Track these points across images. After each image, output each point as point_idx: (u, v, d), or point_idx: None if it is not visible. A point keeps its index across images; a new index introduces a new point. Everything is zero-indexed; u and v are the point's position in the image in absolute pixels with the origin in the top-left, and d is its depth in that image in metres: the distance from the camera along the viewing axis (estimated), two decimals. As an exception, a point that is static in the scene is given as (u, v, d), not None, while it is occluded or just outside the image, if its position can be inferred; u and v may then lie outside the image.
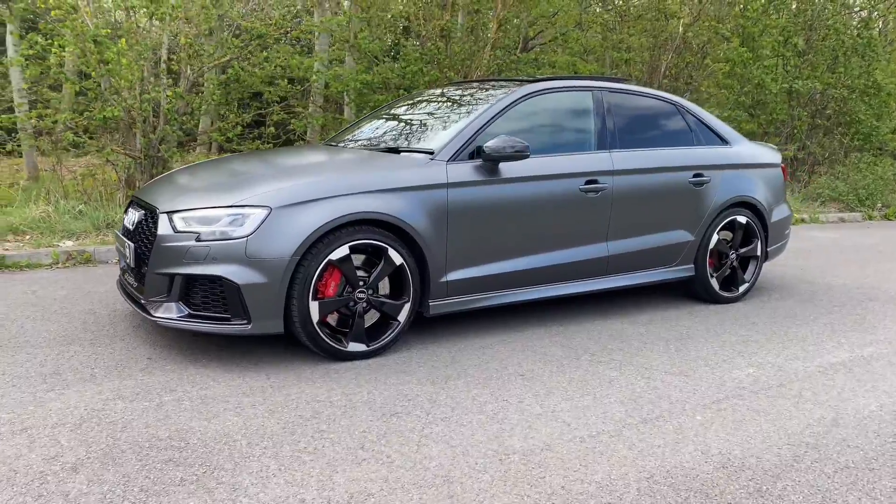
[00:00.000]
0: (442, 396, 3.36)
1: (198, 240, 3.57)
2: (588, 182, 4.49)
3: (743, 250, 5.35)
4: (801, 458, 2.86)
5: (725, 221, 5.19)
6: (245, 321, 3.56)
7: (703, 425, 3.12)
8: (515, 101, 4.44)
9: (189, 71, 7.67)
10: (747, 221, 5.28)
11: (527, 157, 4.15)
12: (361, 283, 3.80)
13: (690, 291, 5.34)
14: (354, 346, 3.79)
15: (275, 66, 8.23)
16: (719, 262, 5.28)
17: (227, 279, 3.51)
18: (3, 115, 7.94)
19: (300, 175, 3.94)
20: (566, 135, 4.72)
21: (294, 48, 9.56)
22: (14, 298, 4.84)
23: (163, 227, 3.69)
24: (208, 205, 3.67)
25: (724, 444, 2.94)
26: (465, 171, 4.09)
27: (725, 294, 5.29)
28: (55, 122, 7.33)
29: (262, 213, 3.57)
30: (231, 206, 3.62)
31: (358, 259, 3.85)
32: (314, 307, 3.64)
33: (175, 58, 7.78)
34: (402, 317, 3.92)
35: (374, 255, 3.83)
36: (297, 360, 3.77)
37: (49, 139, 7.70)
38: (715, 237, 5.14)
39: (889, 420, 3.26)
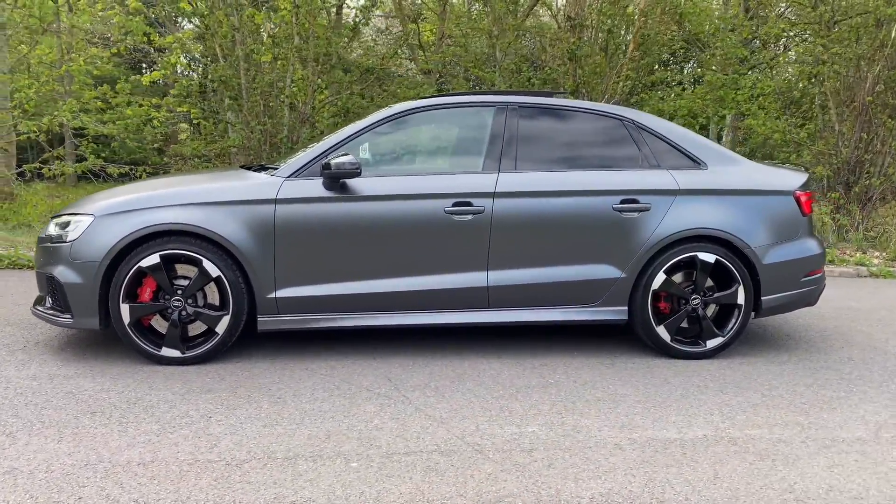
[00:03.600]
0: (162, 406, 3.40)
1: (49, 242, 4.10)
2: (457, 204, 4.10)
3: (717, 295, 4.33)
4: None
5: (680, 259, 4.26)
6: (69, 316, 3.99)
7: (301, 474, 2.73)
8: (384, 119, 4.25)
9: (302, 105, 8.49)
10: (717, 261, 4.27)
11: (357, 174, 3.97)
12: (179, 291, 3.99)
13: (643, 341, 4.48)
14: (168, 352, 3.98)
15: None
16: (677, 308, 4.35)
17: (55, 278, 3.98)
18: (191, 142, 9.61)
19: (140, 189, 4.27)
20: (448, 153, 4.37)
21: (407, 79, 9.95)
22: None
23: (43, 230, 4.30)
24: (68, 212, 4.19)
25: (278, 494, 2.56)
26: (306, 188, 4.05)
27: (683, 348, 4.33)
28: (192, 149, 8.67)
29: (87, 220, 3.98)
30: (72, 214, 4.09)
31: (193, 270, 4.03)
32: (125, 309, 3.92)
33: (293, 91, 8.67)
34: (221, 328, 4.00)
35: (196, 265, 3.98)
36: (127, 359, 4.07)
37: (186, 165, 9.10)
38: (661, 276, 4.25)
39: (574, 511, 2.50)
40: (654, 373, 4.07)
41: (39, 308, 4.19)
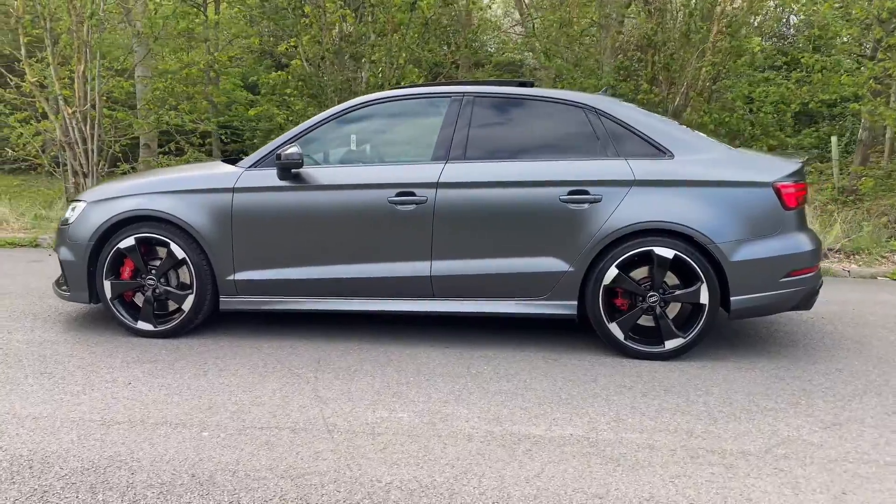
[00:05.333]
0: (102, 371, 3.81)
1: (61, 225, 4.69)
2: (401, 194, 4.17)
3: (678, 293, 4.07)
4: None
5: (634, 253, 4.05)
6: (67, 290, 4.55)
7: (151, 438, 2.97)
8: (342, 111, 4.42)
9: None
10: (676, 256, 4.01)
11: (299, 165, 4.16)
12: (153, 271, 4.41)
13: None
14: (142, 325, 4.42)
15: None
16: (635, 305, 4.13)
17: (59, 256, 4.56)
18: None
19: (132, 179, 4.73)
20: (402, 145, 4.44)
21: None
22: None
23: (63, 214, 4.92)
24: (77, 198, 4.76)
25: (115, 453, 2.82)
26: (261, 177, 4.31)
27: (638, 347, 4.11)
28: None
29: (82, 206, 4.52)
30: (77, 200, 4.65)
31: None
32: (107, 286, 4.41)
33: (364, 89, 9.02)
34: (187, 306, 4.38)
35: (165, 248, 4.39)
36: (117, 332, 4.56)
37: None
38: (613, 271, 4.06)
39: None
40: (590, 370, 3.92)
41: (56, 284, 4.80)
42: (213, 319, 4.68)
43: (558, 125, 4.29)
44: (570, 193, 4.08)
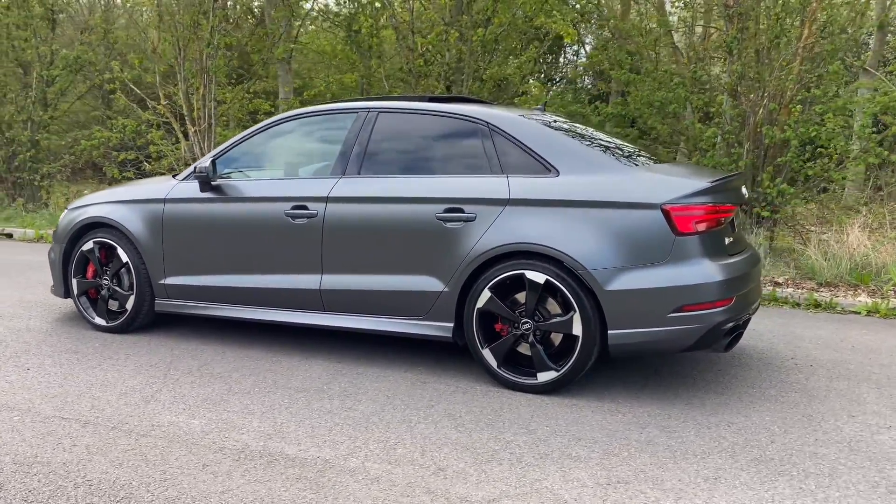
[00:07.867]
0: (23, 358, 4.34)
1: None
2: (295, 207, 4.28)
3: (551, 322, 3.76)
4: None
5: (506, 276, 3.80)
6: (54, 286, 5.23)
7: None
8: (263, 127, 4.61)
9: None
10: (548, 281, 3.70)
11: (209, 178, 4.43)
12: (108, 272, 4.93)
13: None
14: (98, 321, 4.94)
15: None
16: (511, 330, 3.87)
17: (49, 256, 5.26)
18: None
19: (107, 189, 5.28)
20: (313, 159, 4.54)
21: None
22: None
23: (64, 219, 5.61)
24: (67, 206, 5.44)
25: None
26: (187, 189, 4.65)
27: (510, 377, 3.84)
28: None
29: (65, 212, 5.17)
30: (65, 208, 5.32)
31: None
32: (74, 283, 5.00)
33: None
34: (129, 306, 4.83)
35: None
36: (83, 322, 5.14)
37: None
38: (486, 294, 3.84)
39: None
40: (442, 397, 3.74)
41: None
42: (185, 321, 5.05)
43: (451, 141, 4.16)
44: (446, 211, 3.93)
